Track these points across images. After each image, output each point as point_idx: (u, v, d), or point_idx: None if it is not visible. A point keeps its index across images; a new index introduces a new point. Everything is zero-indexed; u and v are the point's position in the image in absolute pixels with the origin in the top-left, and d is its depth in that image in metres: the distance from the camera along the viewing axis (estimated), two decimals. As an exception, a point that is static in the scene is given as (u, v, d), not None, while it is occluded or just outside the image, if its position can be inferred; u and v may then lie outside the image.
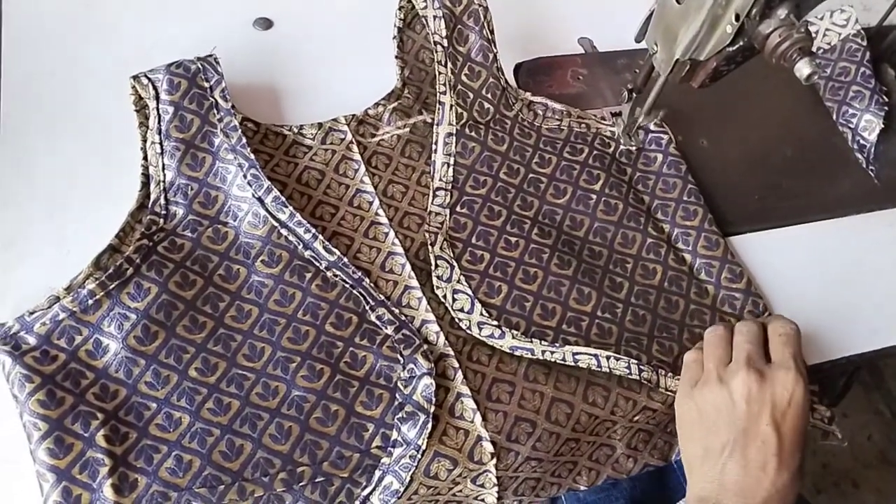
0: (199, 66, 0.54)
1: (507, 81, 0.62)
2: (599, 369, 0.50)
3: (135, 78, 0.54)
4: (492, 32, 0.60)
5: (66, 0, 0.65)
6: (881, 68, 0.70)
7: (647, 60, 0.56)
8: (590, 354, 0.50)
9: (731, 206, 0.62)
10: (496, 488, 0.49)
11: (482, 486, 0.49)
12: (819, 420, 0.53)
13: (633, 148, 0.61)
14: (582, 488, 0.53)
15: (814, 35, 0.70)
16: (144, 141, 0.54)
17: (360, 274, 0.52)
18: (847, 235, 0.63)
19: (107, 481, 0.42)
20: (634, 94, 0.59)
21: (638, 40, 0.55)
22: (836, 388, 1.10)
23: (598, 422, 0.51)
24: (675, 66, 0.51)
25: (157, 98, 0.53)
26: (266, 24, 0.66)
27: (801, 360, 0.47)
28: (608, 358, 0.50)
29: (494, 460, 0.48)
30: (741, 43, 0.47)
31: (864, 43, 0.69)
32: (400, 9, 0.60)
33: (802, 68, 0.44)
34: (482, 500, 0.51)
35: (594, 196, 0.59)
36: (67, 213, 0.54)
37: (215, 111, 0.54)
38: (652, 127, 0.63)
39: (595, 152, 0.61)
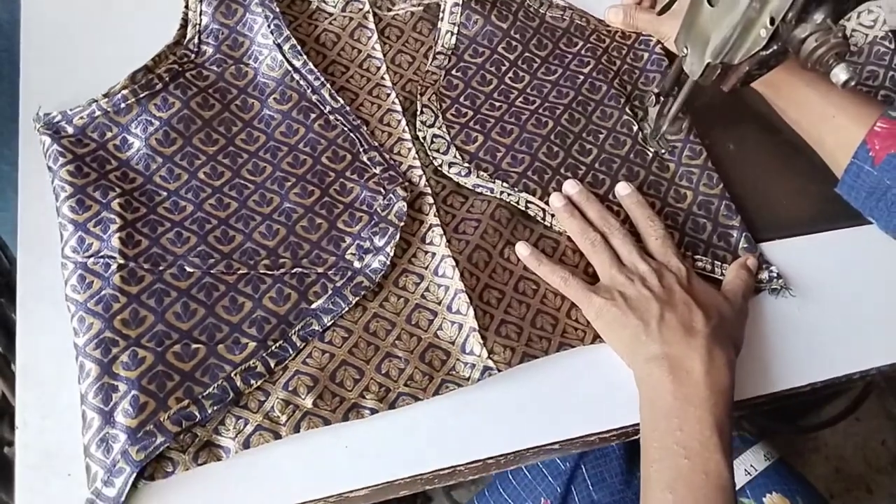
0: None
1: None
2: (543, 222, 0.56)
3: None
4: None
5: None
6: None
7: (676, 63, 0.55)
8: (539, 207, 0.56)
9: (758, 213, 0.60)
10: (465, 297, 0.51)
11: (444, 281, 0.52)
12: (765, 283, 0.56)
13: (662, 151, 0.61)
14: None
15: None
16: (186, -7, 0.62)
17: (359, 121, 0.59)
18: (879, 243, 0.60)
19: (115, 235, 0.49)
20: (661, 98, 0.59)
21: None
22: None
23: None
24: (705, 70, 0.50)
25: None
26: None
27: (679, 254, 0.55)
28: (553, 215, 0.56)
29: (458, 274, 0.52)
30: (775, 47, 0.46)
31: (893, 46, 0.65)
32: None
33: (839, 74, 0.43)
34: (458, 314, 0.51)
35: (581, 77, 0.64)
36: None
37: (250, -29, 0.62)
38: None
39: (589, 45, 0.66)
